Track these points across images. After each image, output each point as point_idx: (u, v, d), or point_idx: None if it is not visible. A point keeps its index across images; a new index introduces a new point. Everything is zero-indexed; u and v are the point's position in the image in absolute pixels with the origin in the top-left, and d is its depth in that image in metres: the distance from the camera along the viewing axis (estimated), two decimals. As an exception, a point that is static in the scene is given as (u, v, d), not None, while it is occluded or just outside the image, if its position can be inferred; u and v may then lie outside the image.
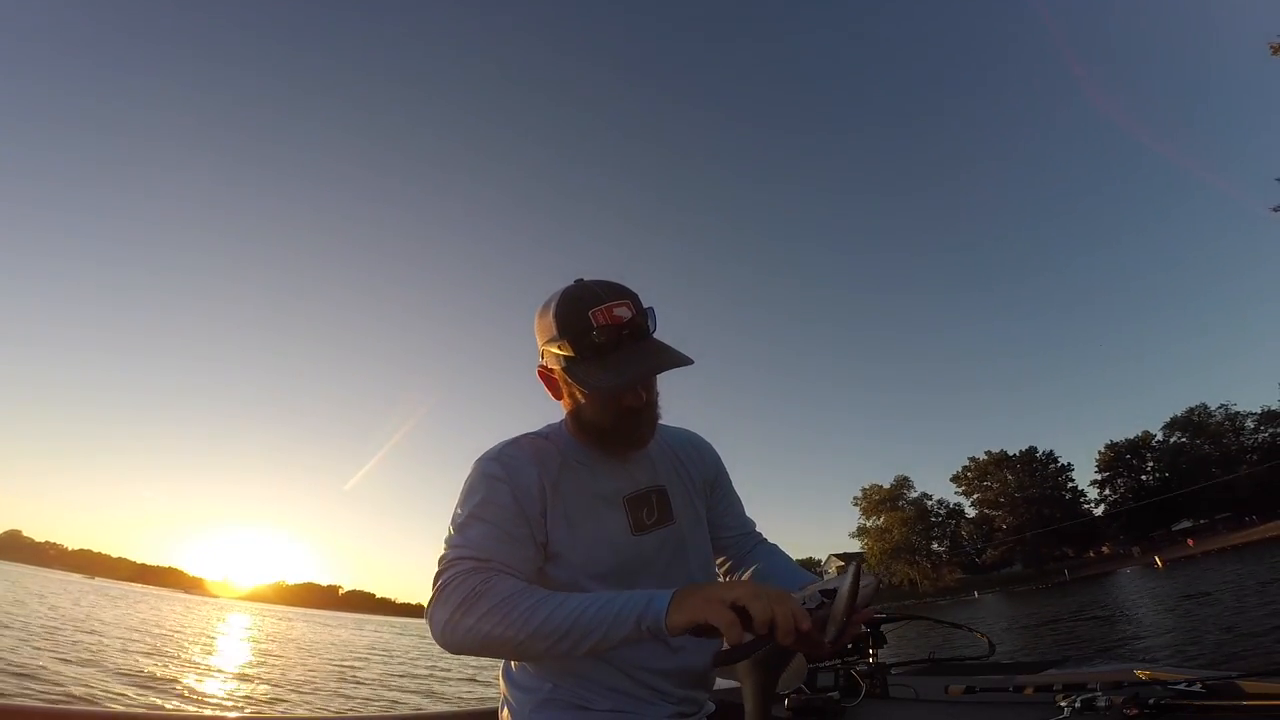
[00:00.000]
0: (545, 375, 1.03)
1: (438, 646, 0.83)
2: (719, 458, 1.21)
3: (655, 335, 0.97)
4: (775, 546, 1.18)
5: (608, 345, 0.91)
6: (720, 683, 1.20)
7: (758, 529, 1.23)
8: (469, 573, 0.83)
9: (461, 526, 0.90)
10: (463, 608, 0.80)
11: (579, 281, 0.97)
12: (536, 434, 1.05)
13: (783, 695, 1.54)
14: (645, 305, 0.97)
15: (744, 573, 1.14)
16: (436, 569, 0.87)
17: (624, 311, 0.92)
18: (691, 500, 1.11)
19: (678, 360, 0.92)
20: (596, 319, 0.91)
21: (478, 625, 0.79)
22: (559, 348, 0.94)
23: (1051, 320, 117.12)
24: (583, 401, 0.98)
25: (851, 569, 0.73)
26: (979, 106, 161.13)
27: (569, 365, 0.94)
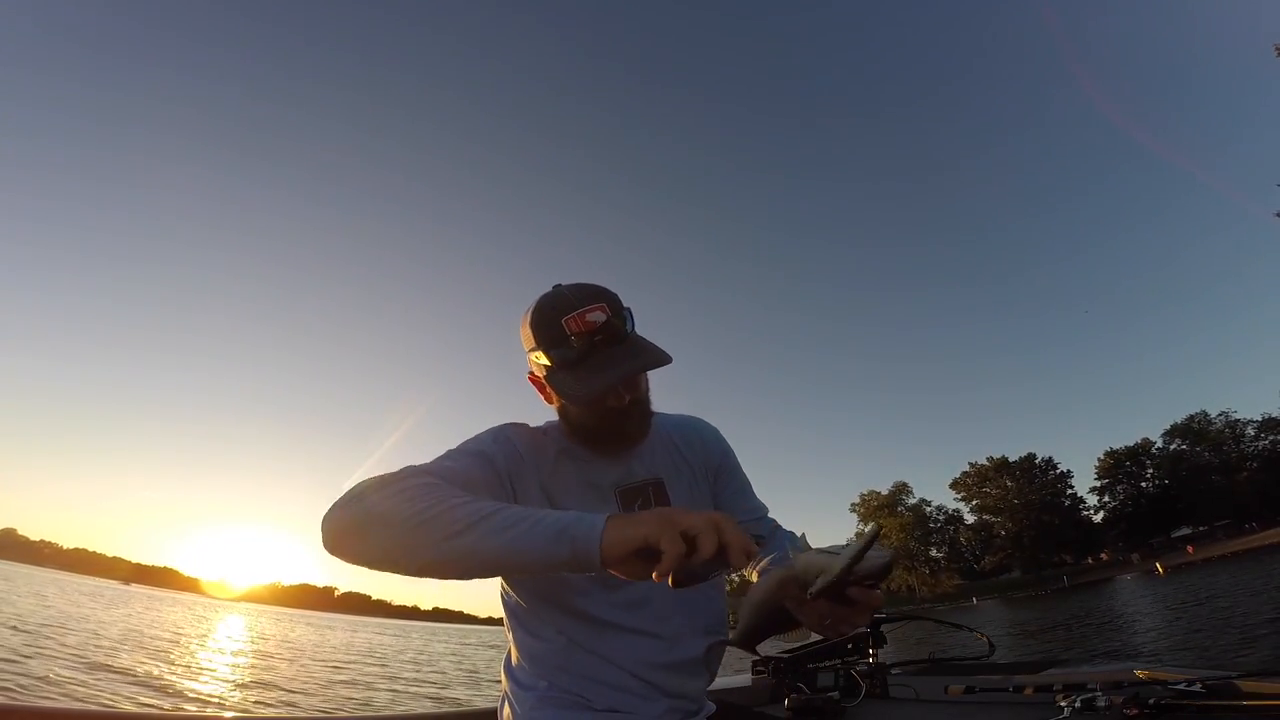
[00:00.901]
0: (535, 381, 1.04)
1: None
2: (724, 442, 1.18)
3: (637, 333, 0.96)
4: (791, 534, 1.16)
5: (582, 352, 0.91)
6: (720, 683, 1.20)
7: (770, 515, 1.19)
8: (416, 471, 0.81)
9: (436, 459, 0.91)
10: (381, 485, 0.75)
11: (556, 288, 0.98)
12: (536, 428, 1.06)
13: (783, 695, 1.55)
14: (624, 306, 0.96)
15: (760, 561, 1.10)
16: None
17: (597, 315, 0.91)
18: (693, 491, 1.10)
19: (653, 361, 0.92)
20: (569, 326, 0.91)
21: (382, 502, 0.73)
22: (538, 357, 0.96)
23: (1051, 322, 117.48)
24: (568, 406, 0.99)
25: (867, 534, 0.68)
26: (976, 101, 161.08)
27: (548, 375, 0.96)
